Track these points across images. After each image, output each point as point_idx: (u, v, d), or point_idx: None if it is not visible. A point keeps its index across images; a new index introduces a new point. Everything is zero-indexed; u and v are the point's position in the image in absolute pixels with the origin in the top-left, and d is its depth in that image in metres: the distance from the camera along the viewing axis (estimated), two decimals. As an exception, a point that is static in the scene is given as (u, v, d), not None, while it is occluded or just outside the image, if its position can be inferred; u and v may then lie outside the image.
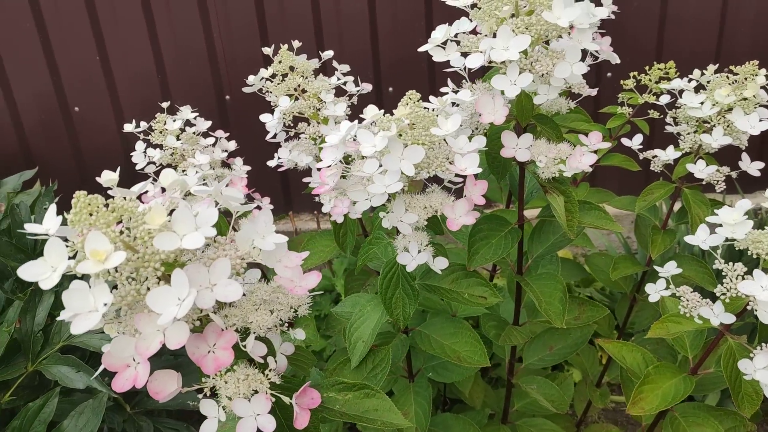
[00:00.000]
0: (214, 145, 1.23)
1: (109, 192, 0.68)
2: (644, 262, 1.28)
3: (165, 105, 1.23)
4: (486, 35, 0.83)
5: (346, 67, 1.13)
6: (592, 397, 1.36)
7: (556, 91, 0.84)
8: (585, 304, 1.12)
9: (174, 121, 1.19)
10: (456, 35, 0.86)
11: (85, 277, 0.61)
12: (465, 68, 0.88)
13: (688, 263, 1.18)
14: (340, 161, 0.84)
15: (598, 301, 1.18)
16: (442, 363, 1.16)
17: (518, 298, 1.17)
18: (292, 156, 1.14)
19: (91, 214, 0.59)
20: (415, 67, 2.31)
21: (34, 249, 1.44)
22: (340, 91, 1.18)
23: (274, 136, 1.12)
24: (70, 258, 0.59)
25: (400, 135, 0.79)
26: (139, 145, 1.21)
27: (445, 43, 0.85)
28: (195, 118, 1.22)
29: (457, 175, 0.84)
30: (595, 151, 0.90)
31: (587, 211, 1.01)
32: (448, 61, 0.87)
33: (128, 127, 1.20)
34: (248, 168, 1.24)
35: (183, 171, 1.19)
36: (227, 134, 1.26)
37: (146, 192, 1.26)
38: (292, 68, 1.09)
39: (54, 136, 2.38)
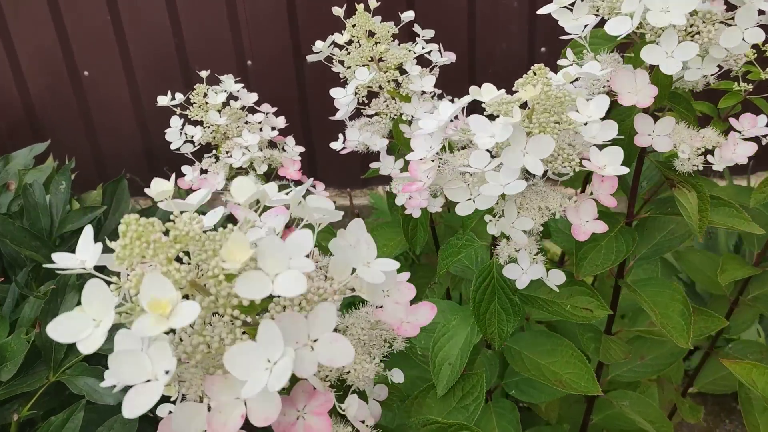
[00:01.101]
0: (260, 122, 1.05)
1: (159, 204, 0.51)
2: (751, 261, 1.11)
3: (204, 74, 1.05)
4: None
5: (430, 33, 0.95)
6: (681, 410, 1.21)
7: (714, 64, 0.66)
8: (697, 312, 0.96)
9: (216, 93, 1.01)
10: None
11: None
12: (584, 36, 0.71)
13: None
14: (437, 153, 0.66)
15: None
16: (526, 379, 1.01)
17: (614, 303, 1.01)
18: (363, 138, 0.97)
19: (146, 244, 0.42)
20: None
21: (50, 235, 1.28)
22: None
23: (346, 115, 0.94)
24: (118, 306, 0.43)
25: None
26: (175, 121, 1.04)
27: (572, 4, 0.67)
28: (239, 90, 1.05)
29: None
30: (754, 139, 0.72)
31: (716, 208, 0.84)
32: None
33: (163, 100, 1.03)
34: (302, 149, 1.06)
35: (227, 153, 1.02)
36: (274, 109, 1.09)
37: (183, 177, 1.09)
38: (370, 33, 0.90)
39: (62, 103, 2.21)
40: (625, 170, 0.61)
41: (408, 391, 0.83)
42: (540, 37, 1.99)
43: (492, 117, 0.62)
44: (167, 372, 0.41)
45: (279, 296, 0.45)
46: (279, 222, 0.53)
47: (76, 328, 0.42)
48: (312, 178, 1.11)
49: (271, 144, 1.10)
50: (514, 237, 0.67)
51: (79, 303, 1.09)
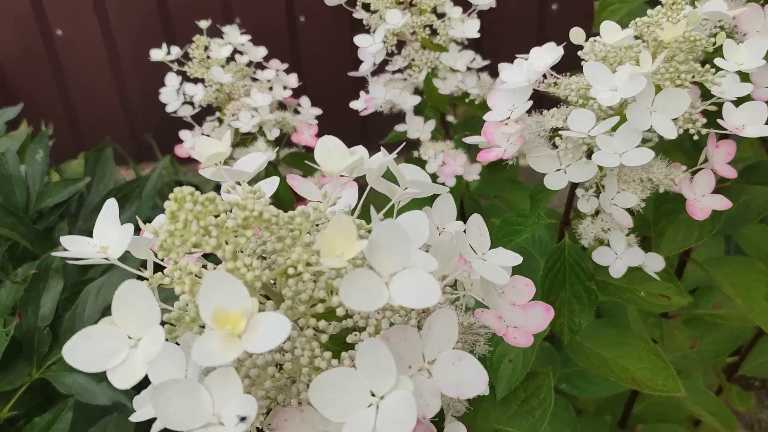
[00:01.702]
0: (270, 80, 0.92)
1: (201, 172, 0.38)
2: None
3: (204, 24, 0.90)
4: None
5: (467, -29, 0.81)
6: (728, 397, 1.12)
7: None
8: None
9: (220, 46, 0.87)
10: None
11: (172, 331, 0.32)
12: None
13: None
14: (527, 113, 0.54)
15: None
16: (578, 371, 0.90)
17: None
18: (391, 95, 0.83)
19: (203, 230, 0.29)
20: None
21: (27, 210, 1.12)
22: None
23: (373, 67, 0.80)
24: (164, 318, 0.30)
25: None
26: (172, 79, 0.90)
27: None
28: (245, 44, 0.91)
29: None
30: None
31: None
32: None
33: (157, 54, 0.88)
34: (318, 111, 0.93)
35: (233, 115, 0.88)
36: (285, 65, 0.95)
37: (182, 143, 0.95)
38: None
39: (34, 65, 2.03)
40: (769, 130, 0.50)
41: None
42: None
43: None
44: (243, 419, 0.28)
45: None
46: (352, 197, 0.41)
47: (105, 350, 0.29)
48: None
49: (281, 106, 0.97)
50: (615, 215, 0.55)
51: (65, 288, 0.95)
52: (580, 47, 0.55)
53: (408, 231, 0.31)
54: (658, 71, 0.48)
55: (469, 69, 0.90)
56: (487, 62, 0.90)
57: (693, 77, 0.48)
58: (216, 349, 0.27)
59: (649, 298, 0.73)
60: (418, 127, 0.88)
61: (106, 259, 0.34)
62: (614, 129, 0.49)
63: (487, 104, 0.89)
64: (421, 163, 0.88)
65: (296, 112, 0.95)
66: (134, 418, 0.34)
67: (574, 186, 0.59)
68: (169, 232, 0.29)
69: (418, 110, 0.90)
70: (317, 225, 0.34)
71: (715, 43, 0.49)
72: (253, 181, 0.38)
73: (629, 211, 0.56)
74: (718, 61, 0.48)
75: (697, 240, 0.72)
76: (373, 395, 0.30)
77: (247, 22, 1.92)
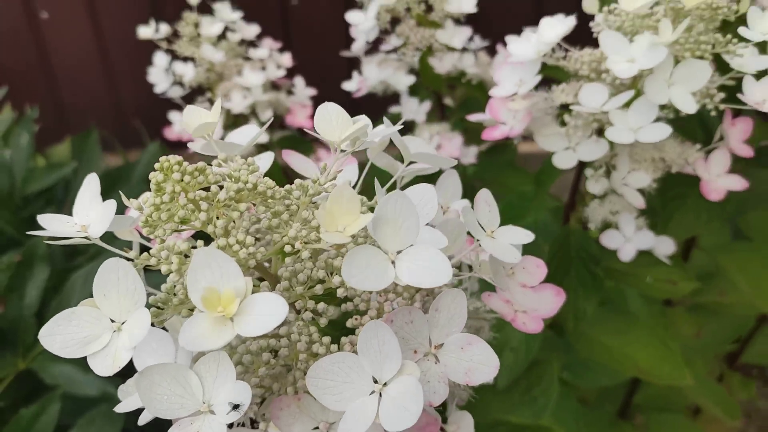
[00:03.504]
0: (263, 59, 0.89)
1: (191, 146, 0.36)
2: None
3: (194, 0, 0.87)
4: None
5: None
6: (730, 384, 1.10)
7: None
8: None
9: (211, 22, 0.84)
10: None
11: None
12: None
13: None
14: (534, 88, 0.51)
15: None
16: (580, 360, 0.87)
17: (681, 266, 0.88)
18: (384, 75, 0.81)
19: (192, 203, 0.27)
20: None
21: (12, 195, 1.09)
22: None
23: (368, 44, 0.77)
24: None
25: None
26: (160, 58, 0.87)
27: None
28: (236, 22, 0.88)
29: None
30: None
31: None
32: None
33: (145, 32, 0.85)
34: (313, 92, 0.90)
35: (225, 96, 0.85)
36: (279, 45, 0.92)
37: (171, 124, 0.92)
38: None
39: (18, 47, 1.99)
40: (793, 108, 0.47)
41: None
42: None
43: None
44: (236, 407, 0.26)
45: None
46: (352, 173, 0.38)
47: (85, 334, 0.26)
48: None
49: (274, 87, 0.94)
50: (627, 196, 0.53)
51: (51, 276, 0.92)
52: (588, 20, 0.52)
53: (416, 205, 0.28)
54: (678, 42, 0.45)
55: (465, 50, 0.88)
56: (486, 43, 0.87)
57: (713, 48, 0.45)
58: (206, 332, 0.25)
59: (656, 283, 0.71)
60: (412, 109, 0.85)
61: (86, 238, 0.31)
62: (628, 105, 0.47)
63: (485, 86, 0.87)
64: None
65: (290, 93, 0.92)
66: (119, 408, 0.31)
67: (581, 167, 0.57)
68: (154, 206, 0.27)
69: (413, 91, 0.88)
70: (315, 202, 0.32)
71: (737, 12, 0.46)
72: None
73: (640, 191, 0.54)
74: (742, 30, 0.45)
75: (705, 224, 0.69)
76: (376, 382, 0.28)
77: (237, 2, 1.89)
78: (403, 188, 0.35)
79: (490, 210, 0.36)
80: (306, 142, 0.94)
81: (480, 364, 0.30)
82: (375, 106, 0.95)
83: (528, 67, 0.51)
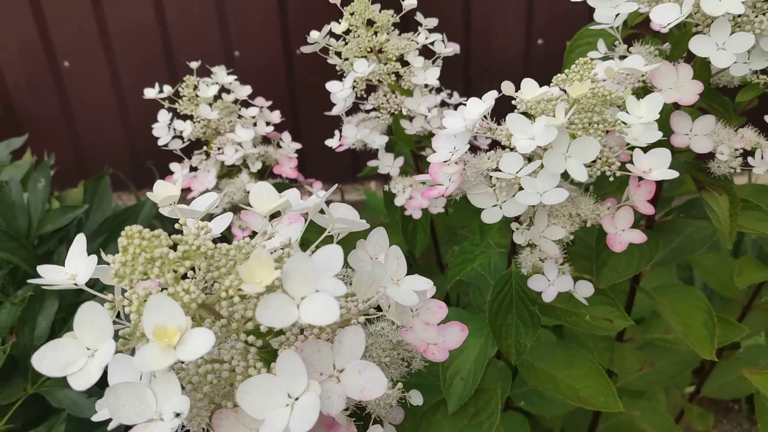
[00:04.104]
0: (254, 117, 0.99)
1: (161, 211, 0.45)
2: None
3: (195, 64, 0.98)
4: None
5: (433, 21, 0.88)
6: (689, 417, 1.17)
7: (765, 58, 0.61)
8: (719, 321, 0.91)
9: (208, 85, 0.94)
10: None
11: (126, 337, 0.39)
12: (617, 27, 0.65)
13: None
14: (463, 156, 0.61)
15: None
16: (535, 390, 0.95)
17: (628, 310, 0.96)
18: (361, 134, 0.91)
19: (150, 262, 0.36)
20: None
21: (28, 235, 1.20)
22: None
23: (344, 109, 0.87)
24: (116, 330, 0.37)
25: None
26: (163, 115, 0.98)
27: (610, -10, 0.62)
28: (231, 83, 0.98)
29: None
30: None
31: (744, 212, 0.79)
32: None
33: (150, 93, 0.96)
34: (298, 146, 1.00)
35: (219, 149, 0.96)
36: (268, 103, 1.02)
37: (173, 174, 1.03)
38: (370, 22, 0.83)
39: (41, 95, 2.11)
40: (675, 174, 0.56)
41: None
42: (537, 28, 1.93)
43: (527, 115, 0.56)
44: (178, 415, 0.35)
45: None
46: (295, 231, 0.47)
47: (66, 359, 0.36)
48: (312, 179, 1.06)
49: (265, 140, 1.04)
50: (543, 247, 0.62)
51: (60, 308, 1.02)
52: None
53: (319, 264, 0.38)
54: (573, 121, 0.55)
55: (446, 104, 0.97)
56: (463, 99, 0.96)
57: (605, 127, 0.54)
58: (154, 357, 0.34)
59: (594, 321, 0.79)
60: (388, 163, 0.94)
61: (75, 284, 0.40)
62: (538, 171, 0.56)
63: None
64: (392, 196, 0.95)
65: (279, 146, 1.02)
66: (95, 418, 0.41)
67: (517, 219, 0.66)
68: (121, 263, 0.36)
69: (390, 147, 0.97)
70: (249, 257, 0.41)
71: (623, 99, 0.55)
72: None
73: (559, 242, 0.63)
74: (621, 114, 0.55)
75: (636, 270, 0.78)
76: (289, 397, 0.37)
77: (245, 55, 2.01)
78: (364, 234, 0.45)
79: (398, 263, 0.45)
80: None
81: (372, 384, 0.38)
82: (353, 152, 1.04)
83: (459, 138, 0.61)
